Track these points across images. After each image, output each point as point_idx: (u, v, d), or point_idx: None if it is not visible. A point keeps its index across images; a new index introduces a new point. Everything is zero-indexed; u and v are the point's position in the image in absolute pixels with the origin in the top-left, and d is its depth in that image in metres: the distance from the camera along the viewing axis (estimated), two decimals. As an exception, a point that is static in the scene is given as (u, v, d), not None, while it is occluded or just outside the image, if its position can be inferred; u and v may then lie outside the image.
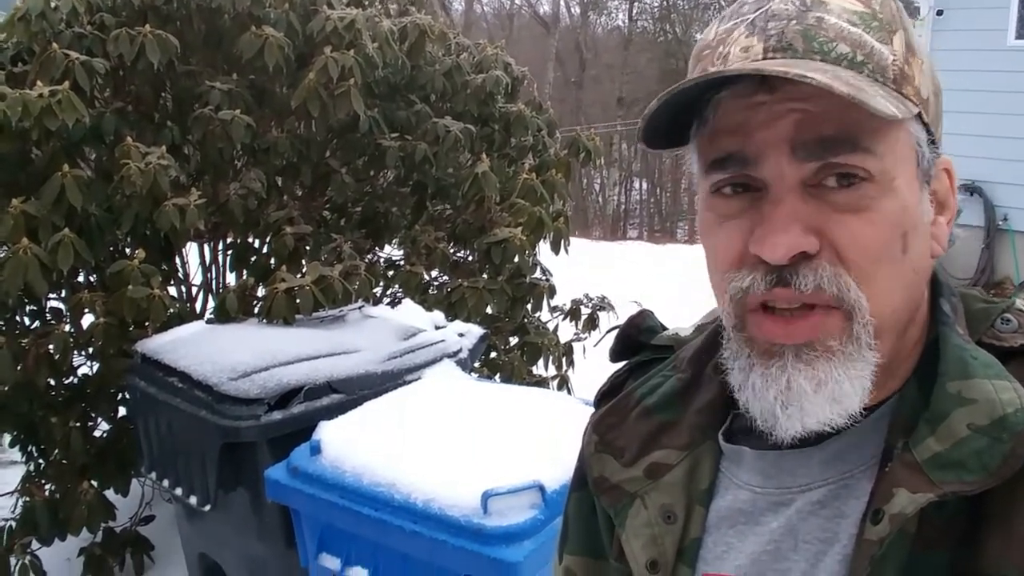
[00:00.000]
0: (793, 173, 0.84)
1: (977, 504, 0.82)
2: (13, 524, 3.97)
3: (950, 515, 0.83)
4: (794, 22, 0.86)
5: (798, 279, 0.84)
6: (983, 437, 0.82)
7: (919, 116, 0.88)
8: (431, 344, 3.53)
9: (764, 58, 0.86)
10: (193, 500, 3.20)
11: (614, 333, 1.20)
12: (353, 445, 2.73)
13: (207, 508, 3.15)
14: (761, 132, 0.85)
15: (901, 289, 0.89)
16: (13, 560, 3.89)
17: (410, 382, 3.27)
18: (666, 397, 1.06)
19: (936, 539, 0.83)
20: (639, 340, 1.17)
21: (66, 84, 3.61)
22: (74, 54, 3.80)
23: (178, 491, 3.29)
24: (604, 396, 1.15)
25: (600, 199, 27.37)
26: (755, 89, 0.85)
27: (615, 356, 1.19)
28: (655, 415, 1.05)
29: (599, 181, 26.67)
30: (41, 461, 4.21)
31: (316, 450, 2.75)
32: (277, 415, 3.03)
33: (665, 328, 1.19)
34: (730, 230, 0.89)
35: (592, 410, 1.14)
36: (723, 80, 0.86)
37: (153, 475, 3.45)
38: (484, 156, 4.72)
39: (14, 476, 4.44)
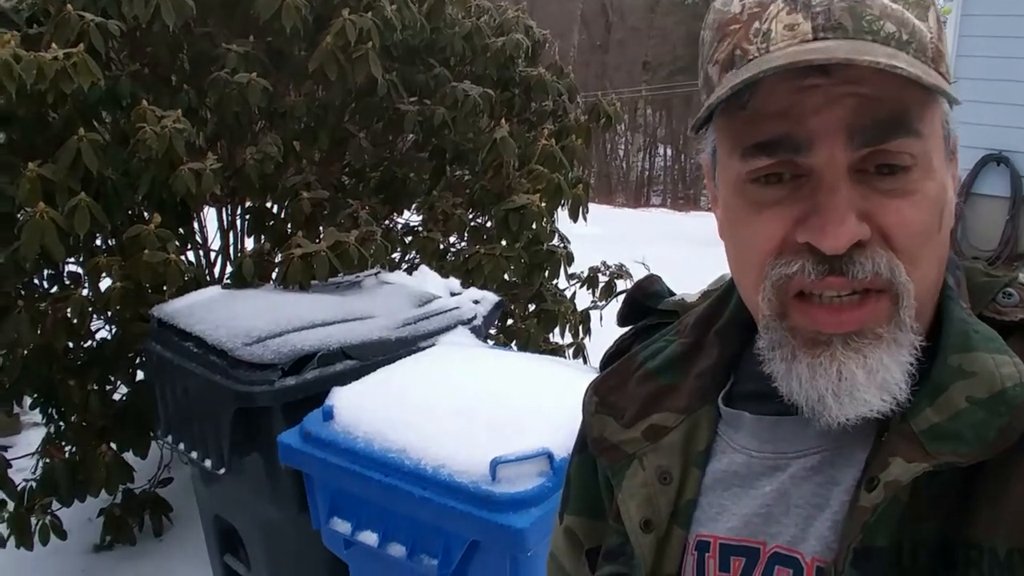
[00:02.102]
0: (844, 159, 0.83)
1: (968, 477, 0.83)
2: (34, 485, 4.01)
3: (942, 486, 0.84)
4: None
5: (854, 268, 0.84)
6: (981, 410, 0.83)
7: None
8: (446, 311, 3.53)
9: (815, 38, 0.83)
10: (208, 464, 3.22)
11: (622, 297, 1.21)
12: (365, 411, 2.74)
13: (221, 472, 3.17)
14: (815, 117, 0.83)
15: (936, 268, 0.90)
16: (34, 520, 3.95)
17: (424, 348, 3.27)
18: (668, 361, 1.08)
19: (927, 509, 0.84)
20: (646, 304, 1.18)
21: (81, 46, 3.60)
22: (89, 16, 3.78)
23: (193, 455, 3.31)
24: (610, 359, 1.17)
25: (624, 165, 27.27)
26: (806, 71, 0.82)
27: (622, 320, 1.21)
28: (656, 378, 1.07)
29: (623, 147, 26.57)
30: (61, 423, 4.26)
31: (328, 415, 2.76)
32: (291, 380, 3.04)
33: (672, 293, 1.20)
34: (771, 219, 0.87)
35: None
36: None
37: (169, 438, 3.48)
38: (503, 121, 4.69)
39: (36, 438, 4.49)
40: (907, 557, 0.83)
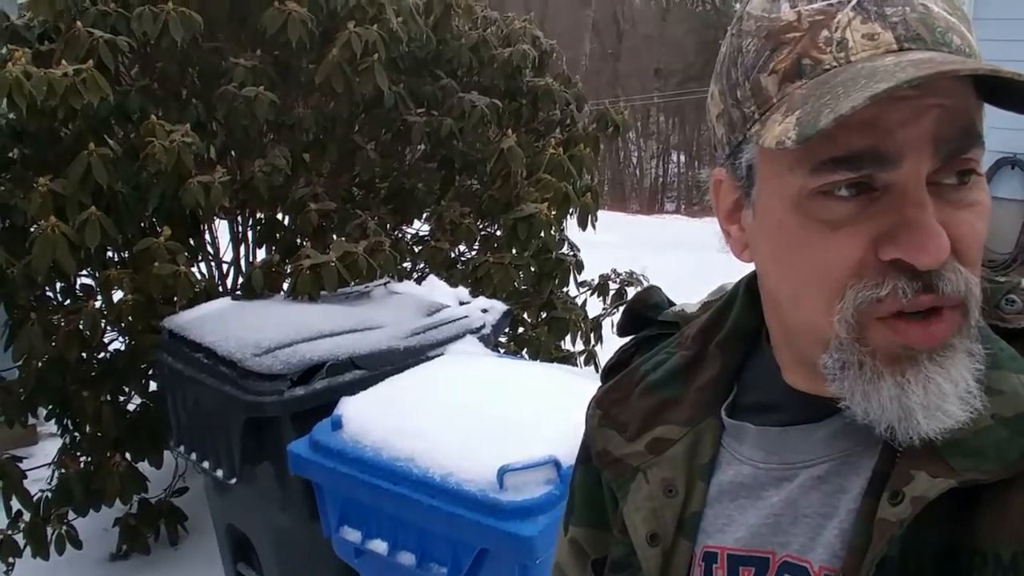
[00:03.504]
0: (926, 172, 0.81)
1: (973, 488, 0.83)
2: (50, 495, 4.05)
3: (947, 496, 0.83)
4: (908, 8, 0.82)
5: (943, 283, 0.81)
6: (1005, 428, 0.82)
7: None
8: (454, 320, 3.55)
9: (900, 49, 0.80)
10: (220, 473, 3.25)
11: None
12: (373, 420, 2.76)
13: (233, 481, 3.19)
14: (903, 130, 0.80)
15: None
16: (50, 530, 3.98)
17: (432, 358, 3.29)
18: (669, 374, 1.07)
19: (933, 518, 0.83)
20: (646, 315, 1.18)
21: (91, 62, 3.64)
22: (99, 32, 3.84)
23: (205, 464, 3.34)
24: (611, 370, 1.16)
25: (638, 172, 27.24)
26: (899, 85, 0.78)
27: (621, 331, 1.20)
28: (658, 391, 1.06)
29: (636, 154, 26.55)
30: (76, 434, 4.30)
31: (337, 425, 2.78)
32: (300, 391, 3.06)
33: (672, 304, 1.19)
34: (847, 236, 0.83)
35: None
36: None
37: (182, 448, 3.50)
38: (511, 131, 4.71)
39: (52, 448, 4.52)
40: (914, 566, 0.83)
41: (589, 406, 1.12)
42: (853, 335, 0.85)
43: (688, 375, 1.06)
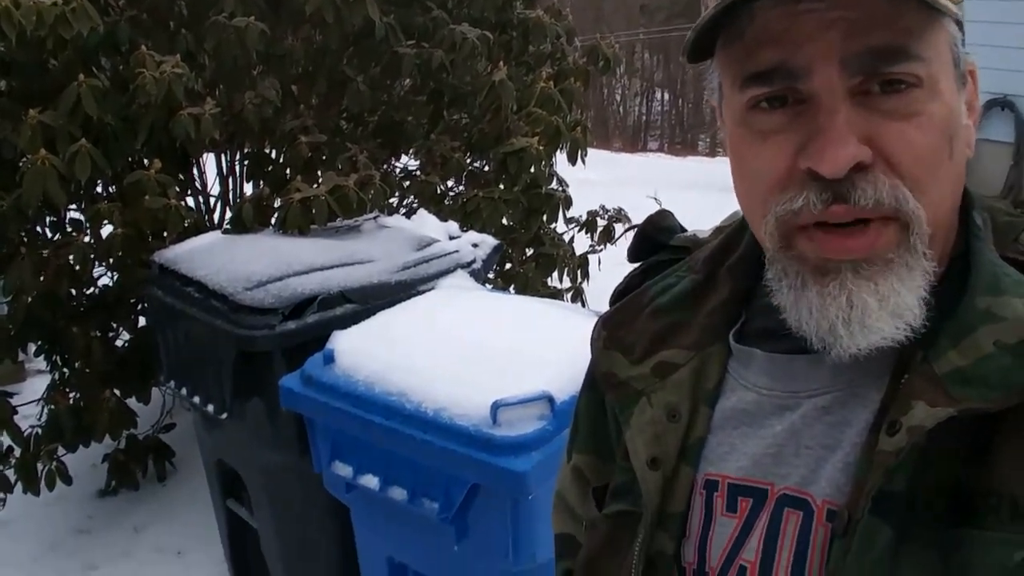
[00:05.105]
0: (843, 83, 0.81)
1: (987, 424, 0.82)
2: (40, 431, 4.05)
3: (959, 432, 0.82)
4: None
5: (856, 193, 0.81)
6: (1008, 355, 0.81)
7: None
8: (445, 254, 3.53)
9: None
10: (210, 408, 3.24)
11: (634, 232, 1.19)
12: (366, 355, 2.75)
13: (223, 416, 3.19)
14: (810, 43, 0.81)
15: (949, 195, 0.87)
16: (40, 466, 3.99)
17: (424, 292, 3.27)
18: (678, 297, 1.06)
19: (944, 455, 0.82)
20: (657, 240, 1.17)
21: (80, -8, 3.58)
22: (86, -40, 3.75)
23: (195, 399, 3.33)
24: (620, 295, 1.15)
25: (621, 110, 27.03)
26: None
27: (633, 255, 1.19)
28: (666, 315, 1.05)
29: (620, 92, 26.33)
30: (65, 370, 4.29)
31: (330, 359, 2.77)
32: (291, 325, 3.05)
33: (684, 229, 1.18)
34: (774, 146, 0.85)
35: None
36: None
37: (172, 384, 3.50)
38: (501, 64, 4.66)
39: (41, 385, 4.52)
40: (922, 503, 0.82)
41: (595, 327, 1.11)
42: (781, 246, 0.87)
43: (697, 299, 1.05)
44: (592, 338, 1.11)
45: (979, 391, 0.80)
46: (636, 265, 1.18)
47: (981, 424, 0.82)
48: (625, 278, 1.17)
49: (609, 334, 1.08)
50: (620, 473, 1.05)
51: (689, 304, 1.05)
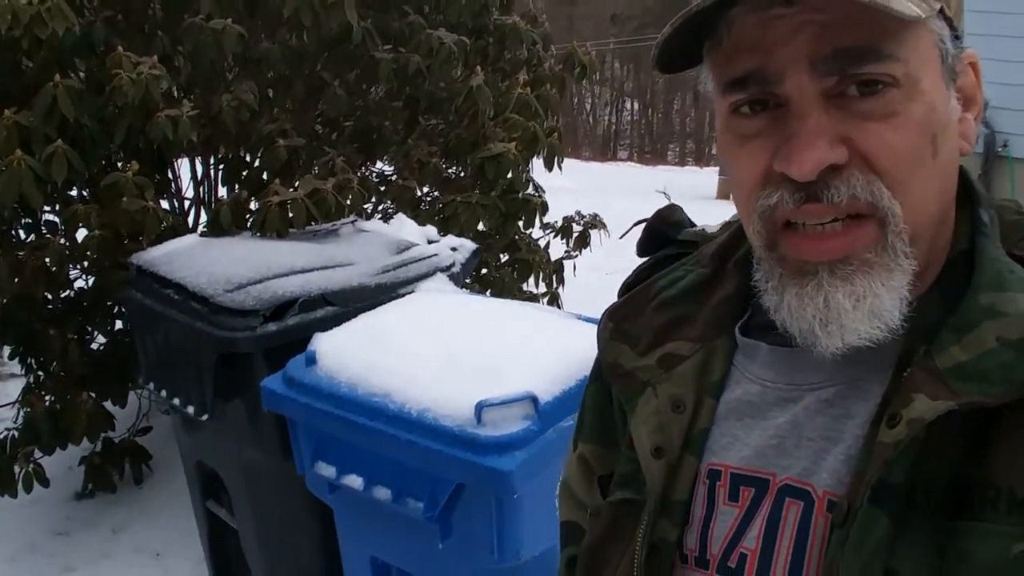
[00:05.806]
0: (814, 87, 0.82)
1: (986, 418, 0.82)
2: (16, 434, 4.03)
3: (959, 425, 0.83)
4: None
5: (829, 192, 0.83)
6: (1011, 351, 0.82)
7: (941, 11, 0.86)
8: (424, 258, 3.54)
9: None
10: (191, 410, 3.23)
11: (642, 226, 1.20)
12: (348, 356, 2.75)
13: (204, 418, 3.18)
14: (780, 48, 0.82)
15: (934, 194, 0.88)
16: (17, 468, 3.97)
17: (403, 295, 3.28)
18: (685, 290, 1.07)
19: (943, 447, 0.83)
20: (666, 234, 1.18)
21: (55, -9, 3.56)
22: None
23: (175, 401, 3.32)
24: (628, 288, 1.16)
25: (591, 119, 27.13)
26: (771, 1, 0.82)
27: (641, 249, 1.20)
28: (672, 307, 1.07)
29: (590, 100, 26.43)
30: (40, 373, 4.26)
31: (312, 360, 2.77)
32: (272, 326, 3.05)
33: (693, 224, 1.20)
34: (753, 150, 0.87)
35: (581, 322, 1.15)
36: None
37: (151, 386, 3.48)
38: (478, 69, 4.68)
39: (15, 388, 4.49)
40: (921, 494, 0.83)
41: (601, 319, 1.13)
42: (765, 244, 0.90)
43: (704, 293, 1.06)
44: (599, 329, 1.12)
45: (980, 386, 0.81)
46: (643, 260, 1.19)
47: (981, 418, 0.83)
48: (634, 271, 1.19)
49: (616, 326, 1.10)
50: (625, 462, 1.06)
51: (696, 297, 1.07)
